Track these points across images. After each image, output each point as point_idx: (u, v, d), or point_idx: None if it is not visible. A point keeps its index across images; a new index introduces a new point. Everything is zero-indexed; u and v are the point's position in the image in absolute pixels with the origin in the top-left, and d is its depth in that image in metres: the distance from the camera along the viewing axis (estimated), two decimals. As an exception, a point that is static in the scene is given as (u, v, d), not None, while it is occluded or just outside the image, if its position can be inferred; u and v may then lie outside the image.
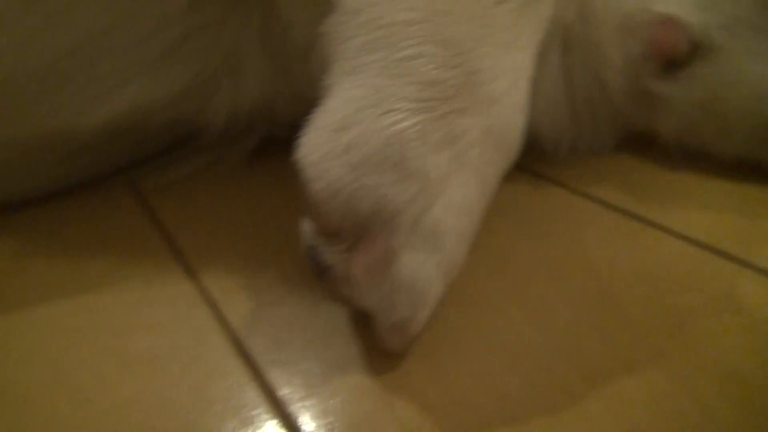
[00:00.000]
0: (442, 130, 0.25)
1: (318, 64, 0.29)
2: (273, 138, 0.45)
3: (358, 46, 0.26)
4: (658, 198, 0.39)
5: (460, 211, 0.26)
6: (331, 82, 0.27)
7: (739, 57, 0.38)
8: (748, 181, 0.40)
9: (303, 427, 0.25)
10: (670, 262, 0.33)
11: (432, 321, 0.28)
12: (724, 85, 0.38)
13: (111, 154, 0.43)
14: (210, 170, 0.45)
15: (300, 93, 0.41)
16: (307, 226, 0.28)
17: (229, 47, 0.39)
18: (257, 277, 0.34)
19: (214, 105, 0.41)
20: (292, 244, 0.36)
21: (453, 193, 0.26)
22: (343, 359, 0.28)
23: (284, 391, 0.26)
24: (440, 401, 0.26)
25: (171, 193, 0.43)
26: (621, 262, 0.33)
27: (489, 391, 0.26)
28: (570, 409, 0.25)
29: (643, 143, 0.44)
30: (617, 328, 0.29)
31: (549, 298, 0.31)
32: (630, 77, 0.40)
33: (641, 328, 0.29)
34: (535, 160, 0.42)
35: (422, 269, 0.25)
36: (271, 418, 0.25)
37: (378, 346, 0.27)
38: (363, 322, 0.29)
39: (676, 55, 0.38)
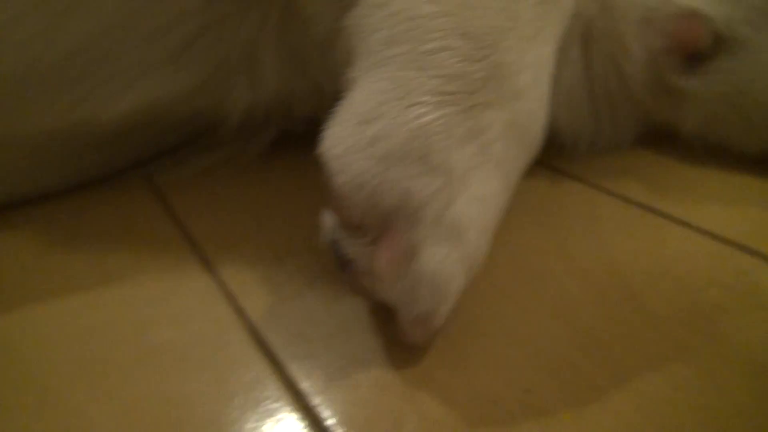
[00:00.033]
0: (466, 123, 0.25)
1: (340, 58, 0.29)
2: (289, 133, 0.45)
3: (382, 40, 0.26)
4: (678, 193, 0.39)
5: (482, 206, 0.26)
6: (355, 75, 0.27)
7: (762, 50, 0.37)
8: (771, 175, 0.40)
9: (325, 421, 0.25)
10: (693, 258, 0.33)
11: (453, 315, 0.28)
12: (747, 78, 0.38)
13: (128, 149, 0.43)
14: (226, 165, 0.45)
15: (317, 88, 0.41)
16: (329, 220, 0.28)
17: (246, 42, 0.38)
18: (275, 270, 0.34)
19: (231, 100, 0.40)
20: (309, 239, 0.36)
21: (476, 187, 0.26)
22: (363, 353, 0.28)
23: (305, 384, 0.26)
24: (463, 395, 0.25)
25: (188, 187, 0.43)
26: (643, 257, 0.33)
27: (512, 385, 0.26)
28: (595, 404, 0.25)
29: (663, 138, 0.43)
30: (641, 322, 0.29)
31: (570, 292, 0.31)
32: (652, 71, 0.39)
33: (665, 323, 0.29)
34: (553, 156, 0.42)
35: (445, 263, 0.25)
36: (292, 411, 0.25)
37: (399, 340, 0.27)
38: (383, 316, 0.29)
39: (698, 49, 0.38)
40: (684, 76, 0.39)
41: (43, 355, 0.29)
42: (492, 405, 0.25)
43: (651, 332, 0.28)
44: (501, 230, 0.29)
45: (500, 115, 0.26)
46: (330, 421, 0.25)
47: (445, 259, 0.25)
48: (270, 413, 0.25)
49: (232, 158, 0.45)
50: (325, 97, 0.40)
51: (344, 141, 0.25)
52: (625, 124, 0.41)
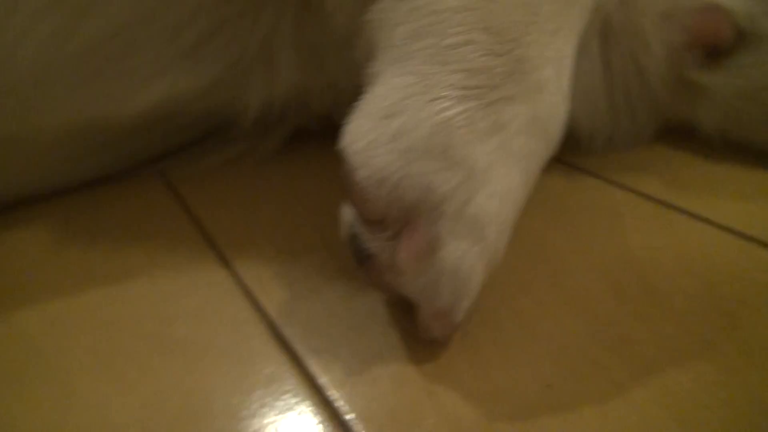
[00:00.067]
0: (489, 118, 0.25)
1: (360, 53, 0.29)
2: (304, 129, 0.45)
3: (405, 33, 0.26)
4: (697, 189, 0.39)
5: (503, 200, 0.26)
6: (377, 69, 0.27)
7: (784, 45, 0.37)
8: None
9: (344, 415, 0.25)
10: (714, 253, 0.33)
11: (472, 310, 0.28)
12: (768, 73, 0.38)
13: (144, 145, 0.43)
14: (241, 161, 0.45)
15: (333, 84, 0.41)
16: (348, 214, 0.28)
17: (263, 37, 0.38)
18: (291, 266, 0.34)
19: (246, 96, 0.41)
20: (324, 234, 0.36)
21: (497, 181, 0.26)
22: (381, 348, 0.28)
23: (323, 379, 0.26)
24: (483, 390, 0.25)
25: (203, 183, 0.43)
26: (662, 253, 0.33)
27: (533, 381, 0.26)
28: (617, 399, 0.25)
29: (681, 134, 0.43)
30: (662, 318, 0.29)
31: (589, 288, 0.31)
32: (671, 66, 0.39)
33: (687, 319, 0.29)
34: (569, 152, 0.41)
35: (466, 258, 0.25)
36: (311, 406, 0.26)
37: (420, 335, 0.27)
38: (400, 311, 0.29)
39: (719, 44, 0.38)
40: (704, 71, 0.39)
41: (63, 349, 0.29)
42: (513, 400, 0.25)
43: (672, 328, 0.28)
44: (519, 226, 0.29)
45: (522, 110, 0.26)
46: (349, 416, 0.25)
47: (465, 254, 0.25)
48: (289, 407, 0.26)
49: (247, 155, 0.45)
50: (340, 94, 0.40)
51: (366, 135, 0.25)
52: (643, 120, 0.41)
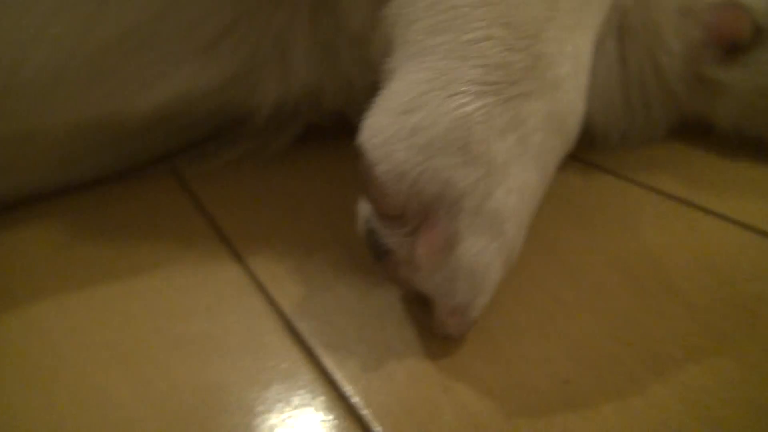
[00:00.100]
0: (508, 113, 0.25)
1: (376, 49, 0.29)
2: (317, 126, 0.45)
3: (423, 29, 0.26)
4: (714, 186, 0.39)
5: (521, 197, 0.26)
6: (396, 65, 0.27)
7: (803, 42, 0.37)
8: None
9: (360, 411, 0.25)
10: (732, 251, 0.33)
11: (489, 306, 0.27)
12: (786, 71, 0.37)
13: (157, 141, 0.43)
14: (254, 157, 0.45)
15: (347, 82, 0.41)
16: (364, 210, 0.28)
17: (278, 34, 0.38)
18: (304, 262, 0.34)
19: (260, 92, 0.41)
20: (337, 230, 0.36)
21: (515, 178, 0.26)
22: (397, 343, 0.28)
23: (339, 375, 0.26)
24: (500, 386, 0.25)
25: (216, 179, 0.43)
26: (680, 250, 0.33)
27: (550, 377, 0.26)
28: (637, 396, 0.25)
29: (697, 131, 0.43)
30: (681, 315, 0.28)
31: (606, 284, 0.31)
32: (688, 63, 0.39)
33: (707, 316, 0.28)
34: (584, 149, 0.41)
35: (483, 254, 0.25)
36: (327, 401, 0.25)
37: (436, 331, 0.27)
38: (415, 306, 0.29)
39: (737, 40, 0.38)
40: (721, 68, 0.38)
41: (78, 344, 0.29)
42: (530, 396, 0.25)
43: (692, 324, 0.28)
44: (535, 223, 0.29)
45: (540, 106, 0.26)
46: (365, 411, 0.25)
47: (483, 250, 0.25)
48: (305, 402, 0.26)
49: (260, 151, 0.45)
50: (354, 91, 0.40)
51: (385, 130, 0.25)
52: (659, 116, 0.41)
